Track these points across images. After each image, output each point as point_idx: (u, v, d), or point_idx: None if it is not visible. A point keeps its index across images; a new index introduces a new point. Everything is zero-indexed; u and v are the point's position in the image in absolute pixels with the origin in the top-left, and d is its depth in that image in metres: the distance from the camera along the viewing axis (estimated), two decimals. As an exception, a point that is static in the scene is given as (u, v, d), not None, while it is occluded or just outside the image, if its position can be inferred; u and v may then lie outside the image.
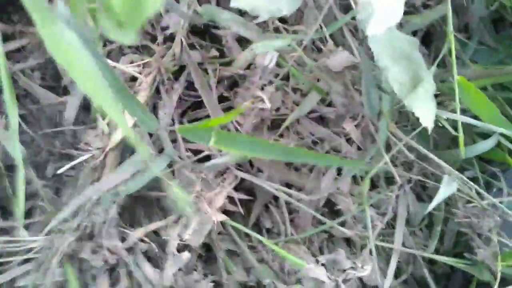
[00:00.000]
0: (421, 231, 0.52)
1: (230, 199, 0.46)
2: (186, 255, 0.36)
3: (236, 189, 0.46)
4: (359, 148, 0.47)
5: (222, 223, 0.41)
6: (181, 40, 0.41)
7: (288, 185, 0.47)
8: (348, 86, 0.44)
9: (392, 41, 0.33)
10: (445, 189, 0.38)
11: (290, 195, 0.41)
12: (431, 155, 0.38)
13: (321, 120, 0.48)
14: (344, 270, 0.38)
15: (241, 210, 0.41)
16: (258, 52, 0.38)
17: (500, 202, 0.49)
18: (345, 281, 0.37)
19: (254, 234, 0.39)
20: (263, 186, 0.41)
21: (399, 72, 0.33)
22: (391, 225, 0.50)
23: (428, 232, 0.52)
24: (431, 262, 0.52)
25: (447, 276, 0.53)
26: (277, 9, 0.36)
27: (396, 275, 0.51)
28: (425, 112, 0.32)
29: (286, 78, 0.46)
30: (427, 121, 0.32)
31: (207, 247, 0.43)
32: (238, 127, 0.41)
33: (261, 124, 0.42)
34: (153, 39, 0.46)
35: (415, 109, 0.32)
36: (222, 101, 0.46)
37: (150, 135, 0.42)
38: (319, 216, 0.41)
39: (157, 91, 0.43)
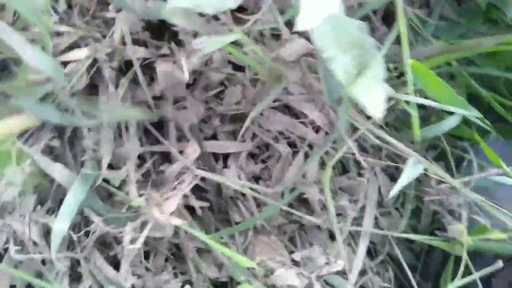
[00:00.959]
0: (397, 210, 0.52)
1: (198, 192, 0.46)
2: (134, 248, 0.36)
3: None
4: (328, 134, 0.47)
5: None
6: (121, 35, 0.40)
7: (256, 177, 0.47)
8: (305, 74, 0.43)
9: (338, 29, 0.32)
10: (410, 172, 0.37)
11: (255, 190, 0.41)
12: (391, 139, 0.37)
13: (286, 108, 0.48)
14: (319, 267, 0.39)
15: (199, 212, 0.41)
16: (207, 50, 0.37)
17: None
18: (319, 278, 0.37)
19: (206, 240, 0.38)
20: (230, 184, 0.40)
21: (345, 60, 0.32)
22: (363, 209, 0.50)
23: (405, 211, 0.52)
24: (409, 241, 0.52)
25: (426, 253, 0.54)
26: (222, 2, 0.34)
27: (373, 256, 0.51)
28: (373, 99, 0.31)
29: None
30: (375, 109, 0.30)
31: (177, 246, 0.43)
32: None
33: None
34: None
35: (361, 97, 0.30)
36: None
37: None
38: (285, 208, 0.41)
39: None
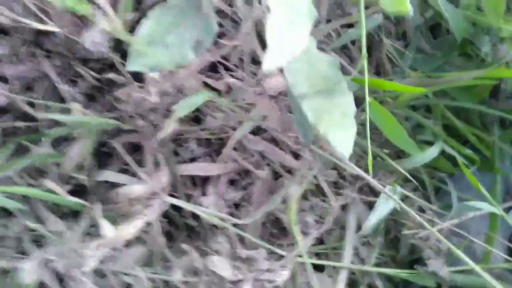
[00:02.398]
0: (375, 240, 0.52)
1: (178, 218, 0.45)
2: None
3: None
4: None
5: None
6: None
7: (237, 205, 0.46)
8: (284, 112, 0.43)
9: (310, 65, 0.32)
10: (382, 207, 0.37)
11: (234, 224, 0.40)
12: (364, 174, 0.37)
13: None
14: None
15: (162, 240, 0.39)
16: (179, 114, 0.36)
17: (449, 207, 0.49)
18: (256, 280, 0.37)
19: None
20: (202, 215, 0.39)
21: (315, 99, 0.31)
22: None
23: (385, 241, 0.52)
24: (386, 275, 0.52)
25: (405, 283, 0.53)
26: (182, 57, 0.33)
27: (353, 287, 0.50)
28: (342, 138, 0.31)
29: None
30: (344, 148, 0.30)
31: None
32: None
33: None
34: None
35: (330, 136, 0.30)
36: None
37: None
38: (260, 243, 0.40)
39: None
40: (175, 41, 0.33)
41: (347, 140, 0.31)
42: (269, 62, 0.24)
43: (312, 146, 0.38)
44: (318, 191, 0.50)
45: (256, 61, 0.47)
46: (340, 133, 0.31)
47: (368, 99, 0.32)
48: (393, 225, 0.54)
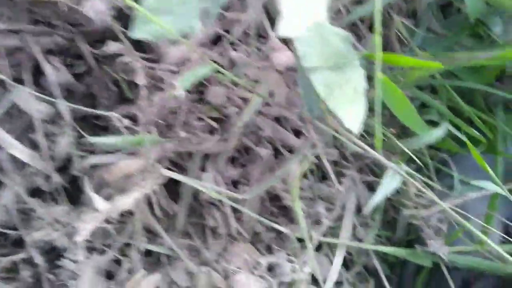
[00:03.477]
0: (374, 221, 0.51)
1: (174, 196, 0.44)
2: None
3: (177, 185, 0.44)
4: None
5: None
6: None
7: (235, 181, 0.45)
8: (290, 88, 0.42)
9: (322, 38, 0.31)
10: (388, 184, 0.36)
11: (232, 198, 0.39)
12: (370, 150, 0.36)
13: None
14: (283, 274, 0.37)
15: (158, 213, 0.38)
16: (183, 87, 0.34)
17: (451, 188, 0.49)
18: (281, 284, 0.36)
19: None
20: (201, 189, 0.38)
21: (325, 72, 0.30)
22: (341, 217, 0.49)
23: (382, 222, 0.52)
24: (384, 252, 0.52)
25: (401, 265, 0.53)
26: (190, 27, 0.32)
27: (349, 266, 0.50)
28: (351, 114, 0.29)
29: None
30: (353, 124, 0.29)
31: (146, 250, 0.41)
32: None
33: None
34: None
35: (339, 112, 0.29)
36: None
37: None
38: (259, 218, 0.39)
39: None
40: (182, 10, 0.31)
41: (356, 116, 0.30)
42: (283, 29, 0.23)
43: (317, 122, 0.37)
44: (317, 170, 0.50)
45: (261, 36, 0.45)
46: (350, 109, 0.30)
47: (379, 74, 0.31)
48: (390, 206, 0.54)
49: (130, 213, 0.41)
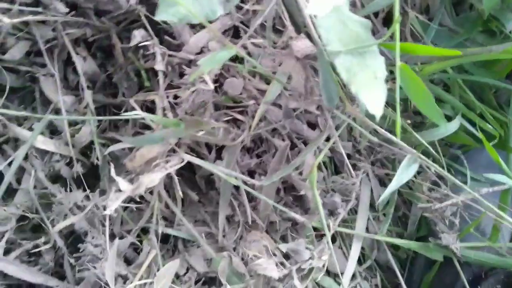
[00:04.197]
0: (384, 216, 0.52)
1: (193, 185, 0.44)
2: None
3: (194, 175, 0.44)
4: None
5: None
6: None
7: (250, 172, 0.46)
8: (308, 76, 0.43)
9: (342, 24, 0.32)
10: (405, 171, 0.37)
11: (248, 183, 0.39)
12: (388, 135, 0.37)
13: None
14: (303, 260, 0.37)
15: (180, 195, 0.38)
16: (205, 70, 0.35)
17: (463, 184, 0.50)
18: (299, 270, 0.36)
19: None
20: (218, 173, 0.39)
21: (348, 56, 0.31)
22: (356, 211, 0.49)
23: (393, 217, 0.52)
24: (394, 248, 0.52)
25: (411, 261, 0.54)
26: (212, 11, 0.33)
27: (361, 261, 0.51)
28: (373, 98, 0.30)
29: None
30: (375, 108, 0.30)
31: (163, 237, 0.41)
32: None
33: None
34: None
35: (362, 95, 0.30)
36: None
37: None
38: (276, 205, 0.40)
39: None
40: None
41: (378, 101, 0.31)
42: (315, 6, 0.24)
43: (336, 111, 0.38)
44: (330, 163, 0.50)
45: (276, 30, 0.46)
46: (371, 93, 0.31)
47: (399, 61, 0.32)
48: (401, 202, 0.55)
49: (147, 201, 0.42)
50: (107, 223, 0.35)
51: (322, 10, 0.26)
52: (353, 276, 0.46)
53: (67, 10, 0.41)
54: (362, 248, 0.50)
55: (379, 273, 0.50)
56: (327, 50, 0.31)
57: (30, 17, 0.40)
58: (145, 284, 0.34)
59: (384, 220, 0.48)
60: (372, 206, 0.50)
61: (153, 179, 0.33)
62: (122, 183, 0.33)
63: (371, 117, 0.36)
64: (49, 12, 0.41)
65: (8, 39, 0.42)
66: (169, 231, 0.39)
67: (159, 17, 0.31)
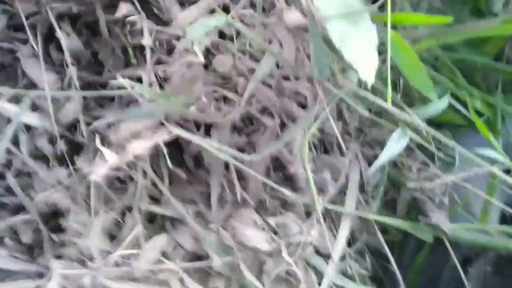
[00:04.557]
0: (373, 199, 0.51)
1: (180, 165, 0.43)
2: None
3: (181, 155, 0.43)
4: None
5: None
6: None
7: (240, 151, 0.45)
8: (299, 48, 0.42)
9: None
10: (394, 145, 0.37)
11: (237, 158, 0.38)
12: (385, 104, 0.36)
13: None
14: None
15: (169, 165, 0.37)
16: (193, 36, 0.35)
17: (452, 164, 0.50)
18: (288, 245, 0.36)
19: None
20: (209, 150, 0.38)
21: (340, 22, 0.31)
22: (345, 193, 0.49)
23: (382, 201, 0.52)
24: (384, 232, 0.52)
25: (400, 244, 0.53)
26: None
27: (350, 243, 0.50)
28: (365, 64, 0.30)
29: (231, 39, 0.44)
30: (367, 74, 0.30)
31: (150, 216, 0.40)
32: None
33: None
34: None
35: (354, 60, 0.30)
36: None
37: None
38: (266, 181, 0.39)
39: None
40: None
41: (370, 68, 0.30)
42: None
43: (327, 83, 0.37)
44: (320, 144, 0.50)
45: (265, 9, 0.46)
46: (363, 60, 0.30)
47: (389, 29, 0.32)
48: (390, 186, 0.54)
49: (131, 178, 0.41)
50: (92, 196, 0.34)
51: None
52: (343, 258, 0.46)
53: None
54: (352, 230, 0.49)
55: (369, 256, 0.50)
56: (319, 15, 0.30)
57: (12, -11, 0.39)
58: (129, 258, 0.33)
59: (373, 201, 0.48)
60: (361, 189, 0.50)
61: (141, 146, 0.32)
62: (107, 152, 0.32)
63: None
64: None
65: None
66: (155, 208, 0.38)
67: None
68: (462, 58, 0.47)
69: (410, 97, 0.50)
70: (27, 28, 0.43)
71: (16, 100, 0.41)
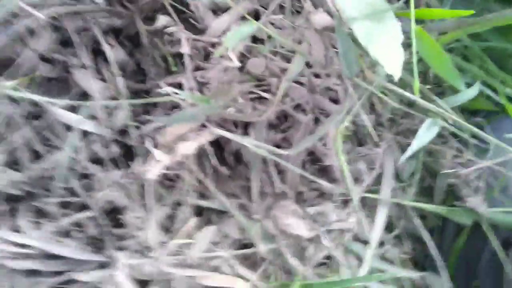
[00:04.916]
0: (409, 186, 0.53)
1: (222, 162, 0.47)
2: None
3: (221, 153, 0.46)
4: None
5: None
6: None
7: (277, 147, 0.48)
8: (328, 48, 0.44)
9: None
10: (426, 132, 0.38)
11: (274, 153, 0.41)
12: (412, 96, 0.38)
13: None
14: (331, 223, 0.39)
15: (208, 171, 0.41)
16: (228, 45, 0.38)
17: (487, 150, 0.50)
18: (329, 231, 0.38)
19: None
20: (248, 146, 0.41)
21: (365, 22, 0.33)
22: (380, 182, 0.50)
23: (419, 188, 0.53)
24: (421, 218, 0.53)
25: (438, 230, 0.54)
26: None
27: (389, 230, 0.52)
28: (391, 59, 0.32)
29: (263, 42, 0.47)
30: (393, 69, 0.32)
31: (198, 210, 0.43)
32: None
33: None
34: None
35: (380, 56, 0.32)
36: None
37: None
38: (304, 173, 0.41)
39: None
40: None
41: (396, 62, 0.32)
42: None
43: (356, 79, 0.39)
44: (354, 136, 0.52)
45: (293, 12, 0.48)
46: (389, 55, 0.32)
47: (414, 25, 0.33)
48: (426, 173, 0.56)
49: (177, 176, 0.44)
50: (146, 193, 0.38)
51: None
52: (382, 244, 0.48)
53: (101, 0, 0.44)
54: (390, 217, 0.51)
55: (408, 241, 0.51)
56: (345, 17, 0.33)
57: (62, 9, 0.43)
58: (181, 247, 0.37)
59: (409, 189, 0.49)
60: (398, 178, 0.51)
61: (188, 147, 0.35)
62: (158, 153, 0.36)
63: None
64: (80, 3, 0.44)
65: (40, 30, 0.45)
66: (202, 203, 0.42)
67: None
68: (492, 46, 0.47)
69: (442, 87, 0.51)
70: (76, 43, 0.47)
71: (71, 109, 0.46)
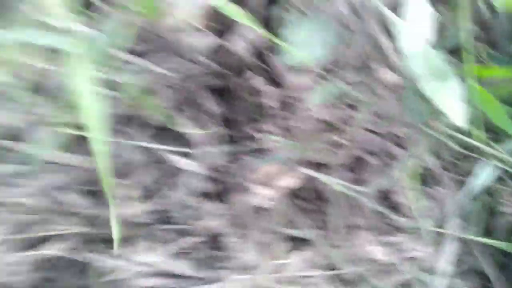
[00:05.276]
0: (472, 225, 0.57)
1: (300, 200, 0.54)
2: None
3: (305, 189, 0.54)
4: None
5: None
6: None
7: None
8: (394, 100, 0.52)
9: (426, 57, 0.42)
10: (480, 175, 0.43)
11: (353, 190, 0.48)
12: (473, 142, 0.44)
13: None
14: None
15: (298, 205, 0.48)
16: (315, 102, 0.47)
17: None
18: (403, 259, 0.43)
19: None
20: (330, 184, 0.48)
21: (431, 82, 0.41)
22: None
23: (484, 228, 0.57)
24: (487, 255, 0.56)
25: (501, 266, 0.57)
26: (322, 55, 0.45)
27: (455, 264, 0.55)
28: (454, 109, 0.39)
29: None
30: (458, 120, 0.39)
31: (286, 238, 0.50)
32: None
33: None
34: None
35: (445, 107, 0.39)
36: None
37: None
38: (379, 208, 0.48)
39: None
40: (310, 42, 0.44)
41: (460, 112, 0.39)
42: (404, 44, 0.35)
43: (423, 126, 0.46)
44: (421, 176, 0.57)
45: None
46: (453, 105, 0.39)
47: (475, 85, 0.40)
48: (487, 215, 0.59)
49: (266, 210, 0.52)
50: (245, 221, 0.45)
51: (412, 48, 0.36)
52: (450, 276, 0.52)
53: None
54: (457, 253, 0.55)
55: (473, 277, 0.55)
56: (414, 78, 0.40)
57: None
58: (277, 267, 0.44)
59: (473, 227, 0.54)
60: (462, 217, 0.55)
61: (287, 182, 0.43)
62: (258, 189, 0.44)
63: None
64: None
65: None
66: (291, 231, 0.49)
67: (280, 61, 0.43)
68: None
69: (499, 134, 0.56)
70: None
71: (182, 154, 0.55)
